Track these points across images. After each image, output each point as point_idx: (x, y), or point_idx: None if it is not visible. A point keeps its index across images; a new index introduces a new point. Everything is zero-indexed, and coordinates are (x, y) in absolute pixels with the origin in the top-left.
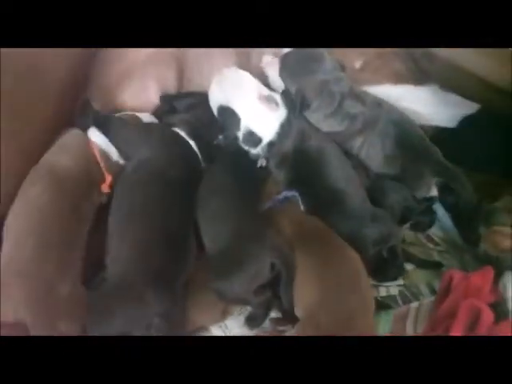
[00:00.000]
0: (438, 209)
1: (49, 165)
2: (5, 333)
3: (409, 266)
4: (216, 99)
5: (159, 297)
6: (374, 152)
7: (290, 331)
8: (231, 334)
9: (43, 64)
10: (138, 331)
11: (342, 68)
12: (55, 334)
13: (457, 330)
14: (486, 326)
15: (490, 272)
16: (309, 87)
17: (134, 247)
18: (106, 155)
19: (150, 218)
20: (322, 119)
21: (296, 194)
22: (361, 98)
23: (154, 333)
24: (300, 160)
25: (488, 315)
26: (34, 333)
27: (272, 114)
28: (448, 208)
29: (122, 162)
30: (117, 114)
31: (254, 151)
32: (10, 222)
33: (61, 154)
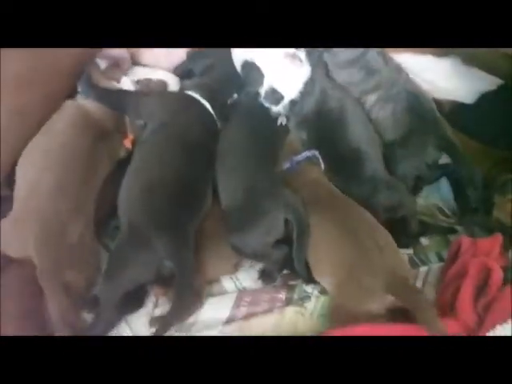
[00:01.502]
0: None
1: (79, 105)
2: (12, 269)
3: (422, 239)
4: (241, 54)
5: (168, 242)
6: (383, 114)
7: (318, 294)
8: (242, 286)
9: None
10: (148, 277)
11: None
12: (60, 281)
13: (467, 289)
14: (497, 285)
15: (498, 238)
16: None
17: (143, 196)
18: None
19: (163, 172)
20: (341, 65)
21: (316, 152)
22: (385, 56)
23: (164, 277)
24: (322, 120)
25: (498, 274)
26: (39, 275)
27: (296, 73)
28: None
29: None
30: (142, 78)
31: (274, 109)
32: (28, 157)
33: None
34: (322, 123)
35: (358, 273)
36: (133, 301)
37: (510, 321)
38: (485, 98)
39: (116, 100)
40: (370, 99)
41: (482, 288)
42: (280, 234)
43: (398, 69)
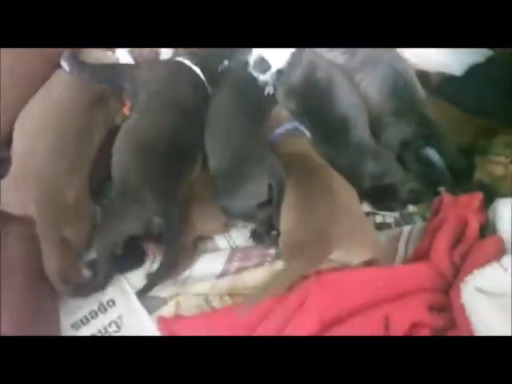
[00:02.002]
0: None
1: None
2: (13, 228)
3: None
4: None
5: (157, 199)
6: (370, 92)
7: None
8: (235, 245)
9: None
10: (138, 231)
11: None
12: (58, 237)
13: (443, 237)
14: (473, 236)
15: (479, 195)
16: None
17: (135, 155)
18: None
19: (154, 134)
20: (324, 50)
21: (297, 124)
22: None
23: (153, 232)
24: (309, 90)
25: (474, 225)
26: (39, 231)
27: None
28: None
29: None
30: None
31: (262, 78)
32: (25, 120)
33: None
34: (310, 93)
35: (294, 229)
36: (132, 259)
37: (488, 266)
38: (473, 70)
39: (110, 76)
40: (356, 78)
41: (459, 239)
42: (264, 197)
43: None
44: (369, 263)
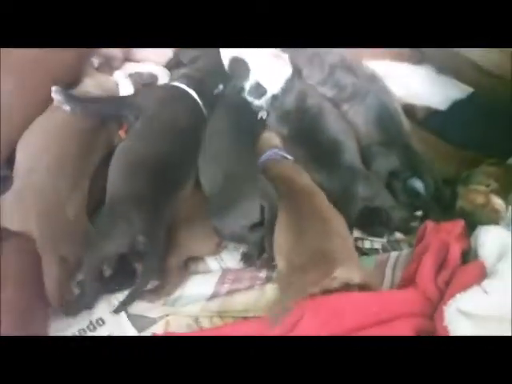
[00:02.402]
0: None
1: (81, 91)
2: (10, 243)
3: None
4: (229, 50)
5: (144, 217)
6: (357, 123)
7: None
8: (226, 266)
9: None
10: (123, 249)
11: None
12: (57, 254)
13: (426, 262)
14: (454, 261)
15: (460, 222)
16: (302, 57)
17: (125, 173)
18: None
19: (146, 154)
20: (315, 85)
21: (280, 151)
22: (353, 69)
23: (139, 250)
24: (301, 116)
25: (455, 250)
26: (39, 248)
27: (279, 69)
28: None
29: None
30: (133, 72)
31: (257, 103)
32: (28, 139)
33: (95, 88)
34: (302, 118)
35: (292, 253)
36: (122, 278)
37: (469, 289)
38: (456, 105)
39: (106, 109)
40: (343, 107)
41: (442, 264)
42: (256, 219)
43: (372, 78)
44: (360, 288)
